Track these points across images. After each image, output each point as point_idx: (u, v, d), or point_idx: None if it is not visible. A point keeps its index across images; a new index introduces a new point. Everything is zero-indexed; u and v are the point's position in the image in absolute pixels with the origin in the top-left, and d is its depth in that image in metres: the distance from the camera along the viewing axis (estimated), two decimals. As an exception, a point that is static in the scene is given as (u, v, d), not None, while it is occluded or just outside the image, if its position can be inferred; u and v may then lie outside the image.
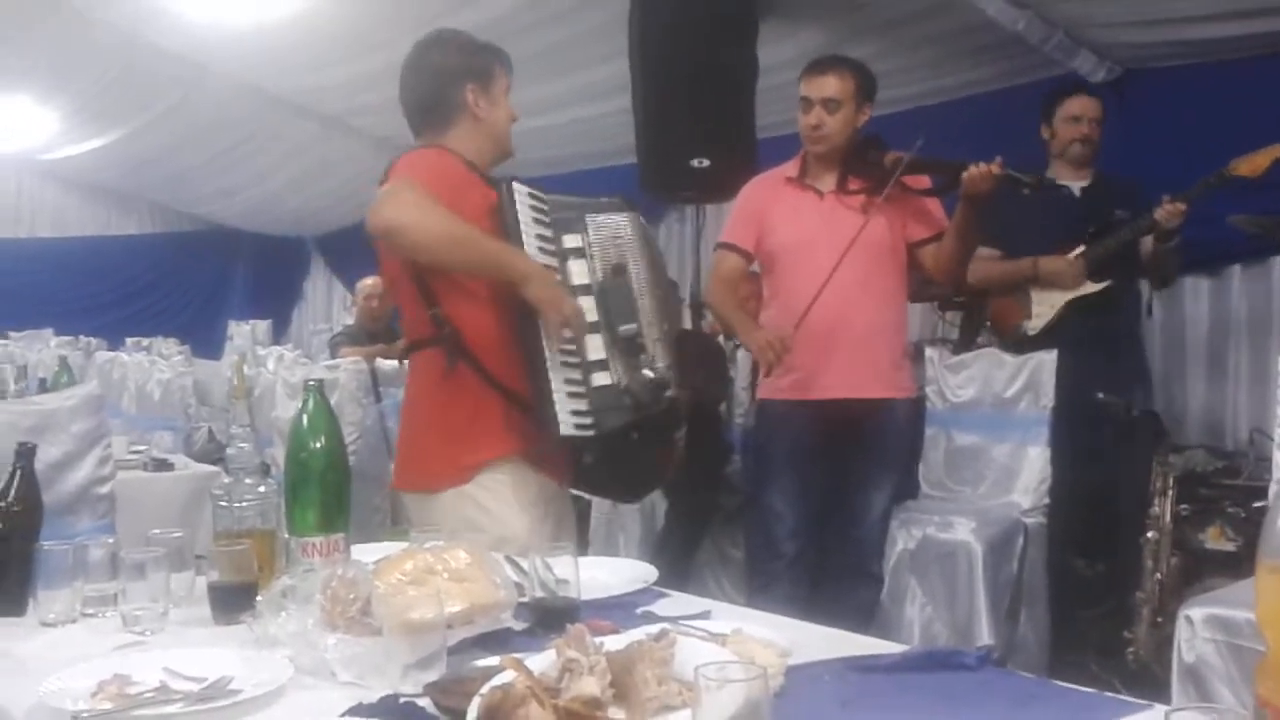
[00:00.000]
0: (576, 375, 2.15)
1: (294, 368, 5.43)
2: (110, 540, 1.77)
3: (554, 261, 2.20)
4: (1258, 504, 3.56)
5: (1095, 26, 4.72)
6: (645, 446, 2.26)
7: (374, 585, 1.40)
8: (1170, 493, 3.15)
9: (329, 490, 1.71)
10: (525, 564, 1.59)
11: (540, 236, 2.20)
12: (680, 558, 4.17)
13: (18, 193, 11.38)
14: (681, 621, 1.45)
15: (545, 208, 2.23)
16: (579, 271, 2.22)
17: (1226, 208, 3.72)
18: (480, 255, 2.15)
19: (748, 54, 4.70)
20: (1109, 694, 1.29)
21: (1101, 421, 3.63)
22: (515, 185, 2.20)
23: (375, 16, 5.84)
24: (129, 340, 8.93)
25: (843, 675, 1.32)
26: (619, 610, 1.59)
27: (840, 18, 5.10)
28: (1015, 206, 3.37)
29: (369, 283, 6.47)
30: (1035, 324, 3.87)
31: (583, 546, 3.16)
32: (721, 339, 5.06)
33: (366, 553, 1.72)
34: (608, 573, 1.80)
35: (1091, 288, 3.76)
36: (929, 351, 4.18)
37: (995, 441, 3.93)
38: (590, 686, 1.09)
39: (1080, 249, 3.76)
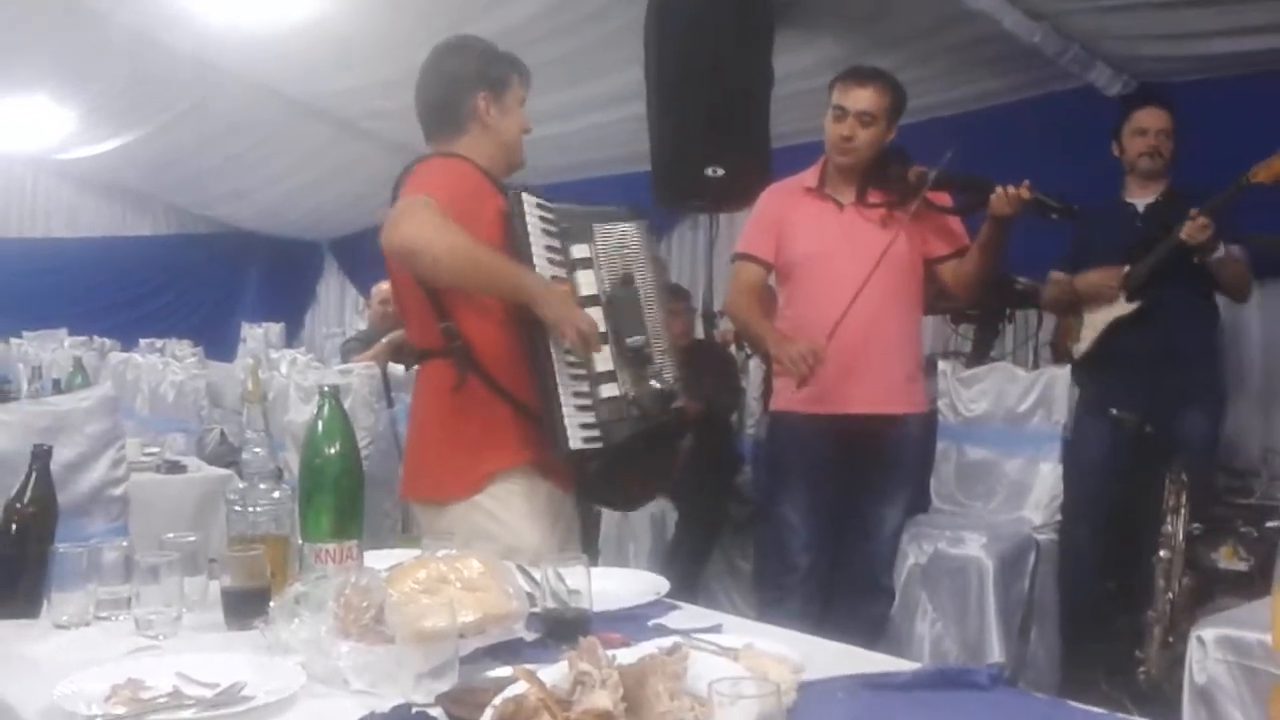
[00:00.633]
0: (584, 388, 2.15)
1: (307, 372, 5.44)
2: (124, 543, 1.77)
3: (562, 272, 2.20)
4: (1270, 523, 3.54)
5: (1111, 39, 4.72)
6: (648, 456, 2.27)
7: (387, 593, 1.40)
8: (1183, 511, 3.13)
9: (343, 497, 1.70)
10: (537, 574, 1.59)
11: (549, 248, 2.20)
12: (690, 568, 4.17)
13: (33, 192, 11.39)
14: (693, 635, 1.45)
15: (553, 218, 2.23)
16: (587, 282, 2.22)
17: (1248, 220, 3.67)
18: (495, 277, 2.15)
19: (763, 63, 4.68)
20: (1120, 715, 1.28)
21: (1117, 437, 3.60)
22: (524, 196, 2.20)
23: (392, 22, 5.85)
24: (142, 341, 8.94)
25: (855, 693, 1.32)
26: (630, 622, 1.59)
27: (857, 28, 5.10)
28: (1083, 229, 3.31)
29: (384, 287, 6.43)
30: (1080, 347, 3.83)
31: (593, 556, 3.16)
32: (733, 349, 5.05)
33: (379, 559, 1.72)
34: (618, 584, 1.79)
35: (1126, 308, 3.68)
36: (942, 365, 4.17)
37: (1007, 456, 3.92)
38: (603, 700, 1.09)
39: (1126, 268, 3.67)
